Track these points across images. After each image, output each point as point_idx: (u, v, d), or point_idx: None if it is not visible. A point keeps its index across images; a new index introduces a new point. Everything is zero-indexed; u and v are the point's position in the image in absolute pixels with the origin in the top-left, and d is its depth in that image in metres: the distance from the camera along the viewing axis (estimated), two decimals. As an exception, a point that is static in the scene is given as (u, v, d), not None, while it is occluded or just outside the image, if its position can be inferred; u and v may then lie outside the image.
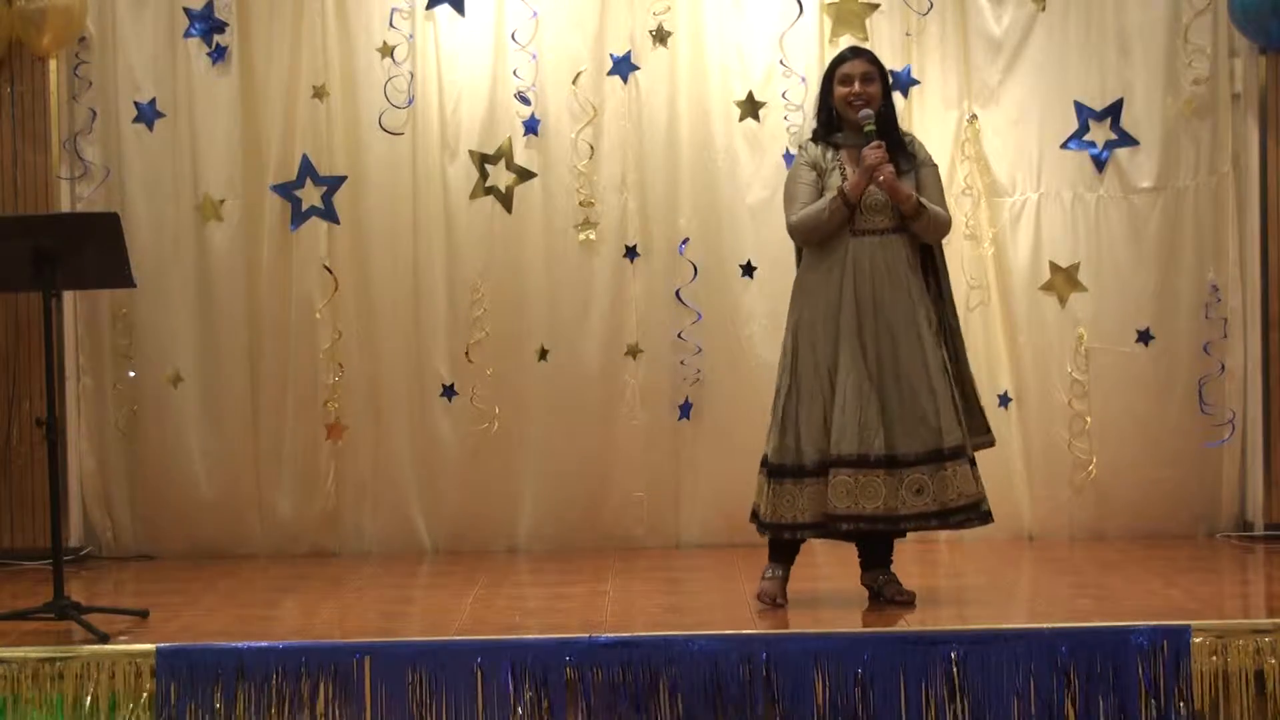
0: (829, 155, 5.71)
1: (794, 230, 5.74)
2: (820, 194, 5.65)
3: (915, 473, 5.56)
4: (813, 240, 5.70)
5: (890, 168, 5.57)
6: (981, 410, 5.83)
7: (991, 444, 5.87)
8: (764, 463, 5.69)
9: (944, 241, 5.79)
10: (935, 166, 5.78)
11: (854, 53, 5.78)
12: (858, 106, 5.63)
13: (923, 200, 5.62)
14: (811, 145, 5.79)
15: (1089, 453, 7.10)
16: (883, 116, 5.67)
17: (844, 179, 5.62)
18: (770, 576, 5.75)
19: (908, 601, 5.68)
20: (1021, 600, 6.24)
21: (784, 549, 5.77)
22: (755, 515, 5.73)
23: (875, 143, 5.59)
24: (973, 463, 5.66)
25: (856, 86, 5.65)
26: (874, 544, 5.76)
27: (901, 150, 5.68)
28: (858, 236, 5.63)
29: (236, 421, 7.19)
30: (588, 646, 5.09)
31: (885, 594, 5.71)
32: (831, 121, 5.73)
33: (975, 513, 5.65)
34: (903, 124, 7.00)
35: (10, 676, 5.10)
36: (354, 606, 6.20)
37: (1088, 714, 5.03)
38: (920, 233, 5.65)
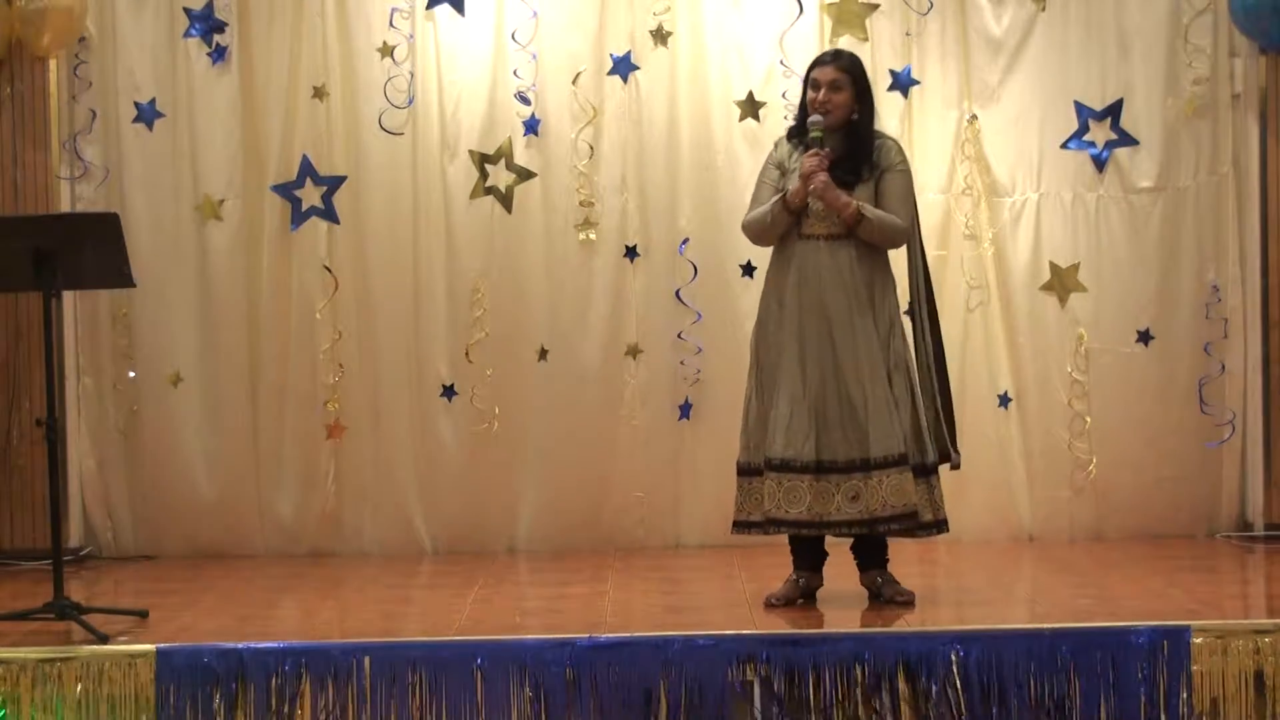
0: (794, 156, 5.71)
1: (744, 230, 5.83)
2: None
3: (851, 480, 5.55)
4: (762, 242, 5.79)
5: (823, 177, 5.53)
6: (941, 427, 5.72)
7: (949, 464, 5.81)
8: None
9: (930, 246, 5.80)
10: (904, 173, 5.69)
11: (829, 57, 5.74)
12: (822, 114, 5.63)
13: (864, 209, 5.56)
14: (783, 143, 5.81)
15: (1089, 453, 7.09)
16: (854, 123, 5.64)
17: None
18: (786, 579, 5.77)
19: (907, 601, 5.68)
20: (1021, 600, 6.24)
21: (800, 553, 5.78)
22: None
23: (813, 150, 5.58)
24: (922, 472, 5.60)
25: (821, 94, 5.64)
26: (867, 545, 5.75)
27: (866, 156, 5.64)
28: (804, 240, 5.65)
29: (236, 421, 7.18)
30: (588, 646, 5.09)
31: (884, 594, 5.71)
32: (804, 122, 5.72)
33: (908, 522, 5.57)
34: (902, 124, 7.09)
35: (10, 676, 5.09)
36: (354, 606, 6.20)
37: (1088, 714, 5.03)
38: (867, 240, 5.60)
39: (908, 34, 7.12)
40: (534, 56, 7.11)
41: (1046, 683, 5.04)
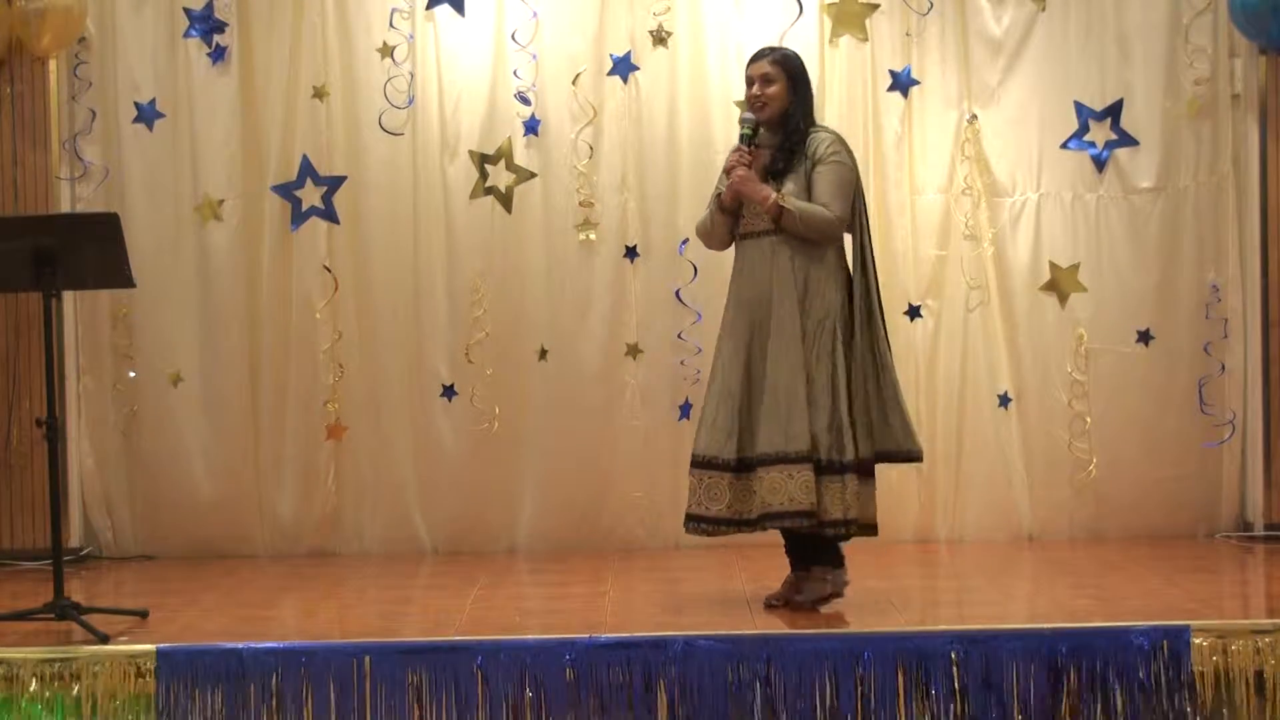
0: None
1: (696, 235, 5.87)
2: None
3: (758, 477, 5.51)
4: (710, 244, 5.82)
5: (741, 171, 5.54)
6: (884, 426, 5.59)
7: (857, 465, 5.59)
8: None
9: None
10: (837, 165, 5.57)
11: (764, 53, 5.72)
12: (756, 109, 5.63)
13: (786, 201, 5.51)
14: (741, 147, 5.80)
15: (1089, 453, 7.10)
16: (787, 115, 5.61)
17: None
18: (785, 579, 5.76)
19: (803, 604, 5.63)
20: (1021, 600, 6.24)
21: (790, 553, 5.75)
22: None
23: (736, 147, 5.61)
24: (837, 470, 5.47)
25: (754, 89, 5.64)
26: (796, 542, 5.71)
27: (797, 148, 5.60)
28: (743, 239, 5.67)
29: (236, 421, 7.18)
30: (588, 646, 5.10)
31: (801, 593, 5.68)
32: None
33: (799, 520, 5.46)
34: (902, 124, 7.09)
35: (10, 676, 5.10)
36: (354, 606, 6.20)
37: (1087, 714, 5.03)
38: (793, 233, 5.55)
39: (908, 34, 7.12)
40: (534, 57, 7.11)
41: (1046, 683, 5.04)
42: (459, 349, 7.16)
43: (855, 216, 5.65)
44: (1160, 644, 5.05)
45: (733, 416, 5.57)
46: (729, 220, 5.68)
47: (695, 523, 5.61)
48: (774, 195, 5.53)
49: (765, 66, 5.64)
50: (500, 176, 7.15)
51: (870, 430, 5.58)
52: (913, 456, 5.72)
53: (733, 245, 5.76)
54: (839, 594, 5.66)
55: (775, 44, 5.97)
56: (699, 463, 5.61)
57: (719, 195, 5.68)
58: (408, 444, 7.20)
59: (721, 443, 5.57)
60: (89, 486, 7.23)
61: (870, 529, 5.62)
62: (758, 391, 5.55)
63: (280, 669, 5.09)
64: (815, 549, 5.65)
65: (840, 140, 5.66)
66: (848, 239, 5.66)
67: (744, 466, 5.55)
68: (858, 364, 5.57)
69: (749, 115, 5.64)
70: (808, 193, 5.56)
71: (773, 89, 5.62)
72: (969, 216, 7.12)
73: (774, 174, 5.59)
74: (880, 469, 5.66)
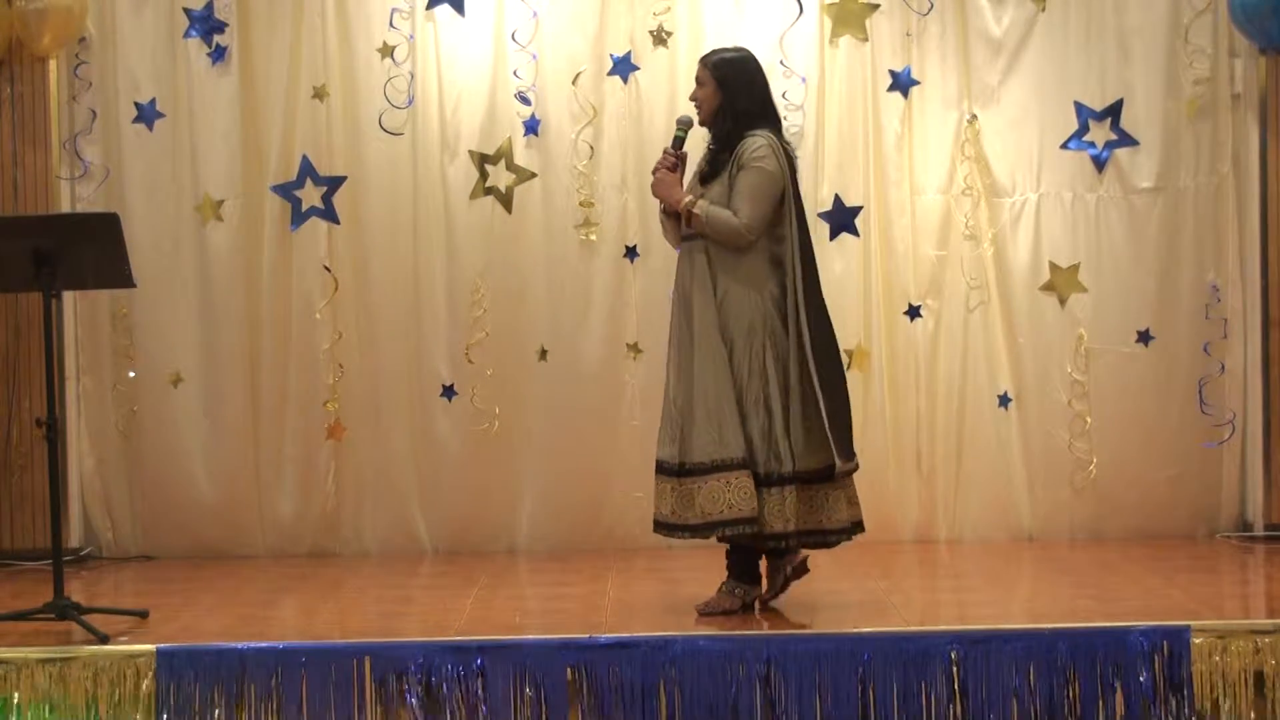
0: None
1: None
2: None
3: (697, 485, 5.50)
4: (673, 244, 5.80)
5: (660, 174, 5.61)
6: (820, 434, 5.48)
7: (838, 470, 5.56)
8: None
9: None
10: (757, 170, 5.49)
11: (702, 57, 5.75)
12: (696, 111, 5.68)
13: (696, 207, 5.52)
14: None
15: (1089, 453, 7.10)
16: (720, 112, 5.60)
17: None
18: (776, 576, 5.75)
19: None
20: (1021, 600, 6.24)
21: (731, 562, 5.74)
22: None
23: (665, 149, 5.66)
24: (762, 483, 5.44)
25: (692, 92, 5.69)
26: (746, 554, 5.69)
27: (725, 151, 5.58)
28: (683, 242, 5.69)
29: (236, 421, 7.18)
30: (588, 646, 5.10)
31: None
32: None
33: (740, 527, 5.43)
34: (902, 124, 7.09)
35: (10, 676, 5.10)
36: (354, 606, 6.20)
37: (1088, 714, 5.03)
38: (708, 239, 5.55)
39: (908, 34, 7.12)
40: (534, 57, 7.11)
41: (1046, 683, 5.04)
42: (459, 349, 7.16)
43: (787, 224, 5.56)
44: (1160, 644, 5.05)
45: (675, 423, 5.58)
46: (674, 223, 5.70)
47: (655, 526, 5.64)
48: (685, 200, 5.55)
49: (698, 69, 5.69)
50: (500, 176, 7.15)
51: (809, 439, 5.50)
52: (840, 469, 5.54)
53: None
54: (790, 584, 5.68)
55: (724, 47, 5.82)
56: (656, 467, 5.63)
57: None
58: (408, 444, 7.20)
59: (667, 448, 5.59)
60: (89, 486, 7.23)
61: (855, 528, 5.61)
62: (691, 399, 5.54)
63: (280, 669, 5.09)
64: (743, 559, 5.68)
65: (771, 146, 5.56)
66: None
67: (685, 472, 5.53)
68: (794, 373, 5.51)
69: (685, 118, 5.68)
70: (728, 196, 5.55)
71: (701, 91, 5.65)
72: (969, 216, 7.12)
73: (704, 178, 5.61)
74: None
